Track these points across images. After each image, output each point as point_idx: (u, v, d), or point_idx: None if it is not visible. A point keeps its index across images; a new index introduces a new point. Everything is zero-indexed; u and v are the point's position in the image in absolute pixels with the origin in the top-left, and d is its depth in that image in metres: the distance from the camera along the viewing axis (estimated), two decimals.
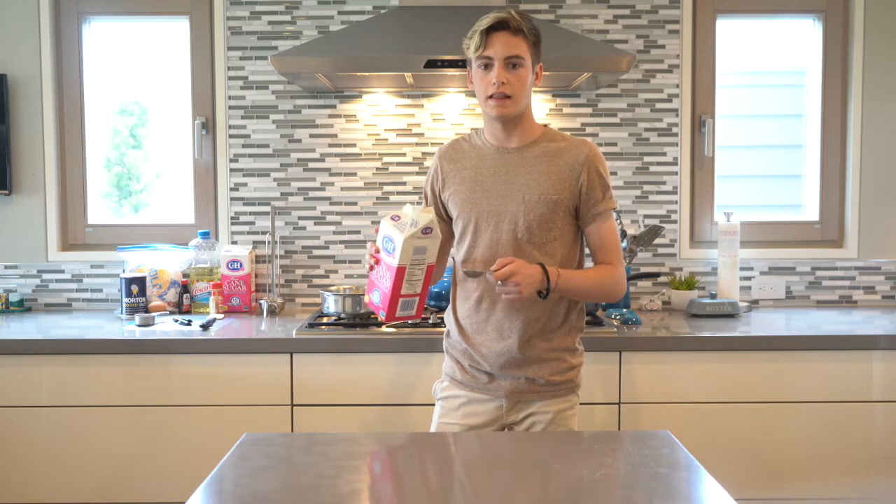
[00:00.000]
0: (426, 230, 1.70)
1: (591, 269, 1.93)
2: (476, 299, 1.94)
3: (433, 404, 2.12)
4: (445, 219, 2.02)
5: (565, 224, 1.91)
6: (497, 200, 1.91)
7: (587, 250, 1.98)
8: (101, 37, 3.10)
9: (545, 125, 1.98)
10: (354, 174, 3.04)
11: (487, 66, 1.84)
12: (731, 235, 2.91)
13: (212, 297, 2.90)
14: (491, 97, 1.85)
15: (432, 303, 2.80)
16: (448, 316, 2.04)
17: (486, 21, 1.83)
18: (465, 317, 1.97)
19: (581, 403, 2.43)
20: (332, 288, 2.86)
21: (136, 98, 3.17)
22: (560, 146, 1.91)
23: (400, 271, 1.72)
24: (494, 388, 1.94)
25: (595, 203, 1.89)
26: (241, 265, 2.93)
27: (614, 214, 1.94)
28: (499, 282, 1.77)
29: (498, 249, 1.90)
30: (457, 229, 1.98)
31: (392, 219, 1.75)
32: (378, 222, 3.01)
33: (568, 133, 1.97)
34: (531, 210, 1.88)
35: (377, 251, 1.80)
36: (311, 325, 2.56)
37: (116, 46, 3.12)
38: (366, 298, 1.88)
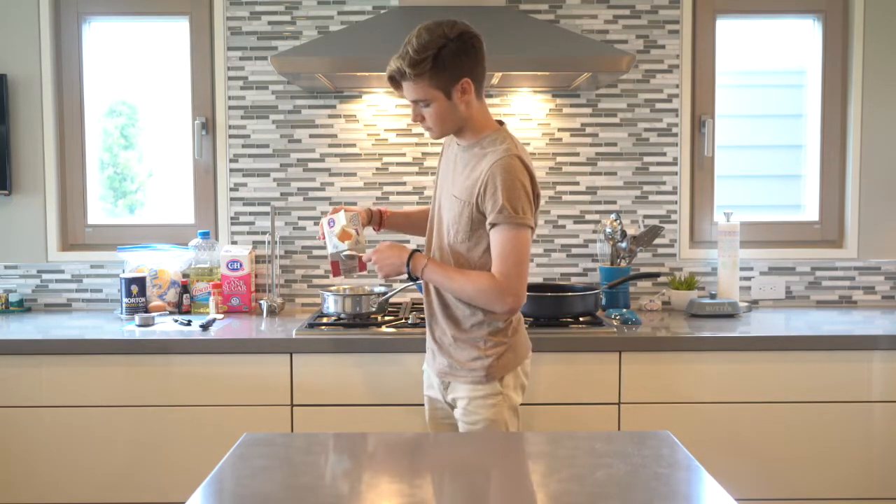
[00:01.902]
0: (346, 255, 2.12)
1: (469, 271, 1.96)
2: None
3: None
4: None
5: (473, 229, 1.95)
6: (441, 193, 2.07)
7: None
8: (101, 37, 3.10)
9: (500, 125, 2.01)
10: (354, 174, 3.04)
11: None
12: (731, 235, 2.91)
13: (212, 297, 2.90)
14: None
15: None
16: None
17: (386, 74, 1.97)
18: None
19: (581, 404, 2.44)
20: (332, 288, 2.86)
21: (127, 98, 3.16)
22: (485, 152, 1.96)
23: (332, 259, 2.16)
24: (432, 364, 2.11)
25: (489, 213, 1.90)
26: (241, 265, 2.93)
27: (528, 231, 1.89)
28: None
29: (431, 240, 2.09)
30: None
31: (328, 223, 2.14)
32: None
33: (509, 140, 1.95)
34: (451, 209, 2.00)
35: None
36: (311, 326, 2.56)
37: (116, 47, 3.12)
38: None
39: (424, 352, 2.39)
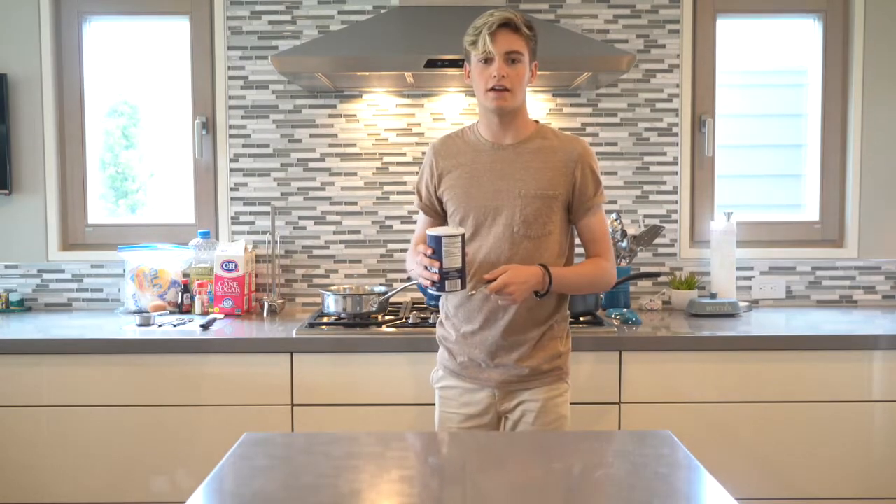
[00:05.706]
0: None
1: (583, 264, 2.03)
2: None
3: (433, 404, 2.13)
4: (440, 213, 2.09)
5: (560, 219, 1.99)
6: (492, 195, 1.97)
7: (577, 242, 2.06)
8: (101, 36, 3.10)
9: (537, 121, 2.05)
10: (354, 174, 3.04)
11: (488, 61, 1.91)
12: (728, 235, 2.92)
13: (197, 297, 2.87)
14: (491, 90, 1.91)
15: (432, 303, 2.80)
16: (442, 305, 2.10)
17: (491, 19, 1.89)
18: (457, 305, 2.03)
19: (581, 403, 2.44)
20: (333, 288, 2.86)
21: (128, 98, 3.16)
22: (553, 144, 1.99)
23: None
24: (485, 379, 2.01)
25: (588, 198, 2.00)
26: (235, 266, 2.87)
27: (605, 209, 2.04)
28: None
29: (493, 243, 1.96)
30: (453, 224, 2.04)
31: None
32: (378, 222, 3.03)
33: (560, 130, 2.07)
34: (527, 205, 1.94)
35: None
36: (312, 325, 2.56)
37: (116, 46, 3.12)
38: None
39: (425, 351, 2.40)
